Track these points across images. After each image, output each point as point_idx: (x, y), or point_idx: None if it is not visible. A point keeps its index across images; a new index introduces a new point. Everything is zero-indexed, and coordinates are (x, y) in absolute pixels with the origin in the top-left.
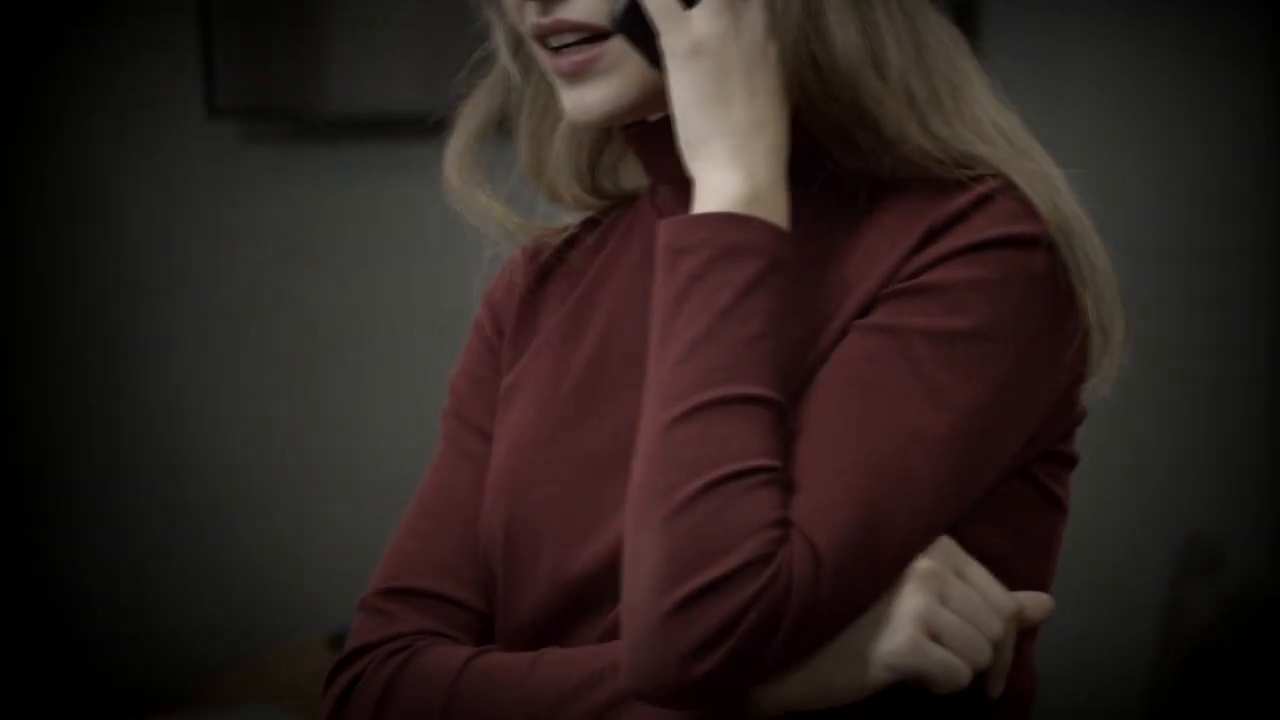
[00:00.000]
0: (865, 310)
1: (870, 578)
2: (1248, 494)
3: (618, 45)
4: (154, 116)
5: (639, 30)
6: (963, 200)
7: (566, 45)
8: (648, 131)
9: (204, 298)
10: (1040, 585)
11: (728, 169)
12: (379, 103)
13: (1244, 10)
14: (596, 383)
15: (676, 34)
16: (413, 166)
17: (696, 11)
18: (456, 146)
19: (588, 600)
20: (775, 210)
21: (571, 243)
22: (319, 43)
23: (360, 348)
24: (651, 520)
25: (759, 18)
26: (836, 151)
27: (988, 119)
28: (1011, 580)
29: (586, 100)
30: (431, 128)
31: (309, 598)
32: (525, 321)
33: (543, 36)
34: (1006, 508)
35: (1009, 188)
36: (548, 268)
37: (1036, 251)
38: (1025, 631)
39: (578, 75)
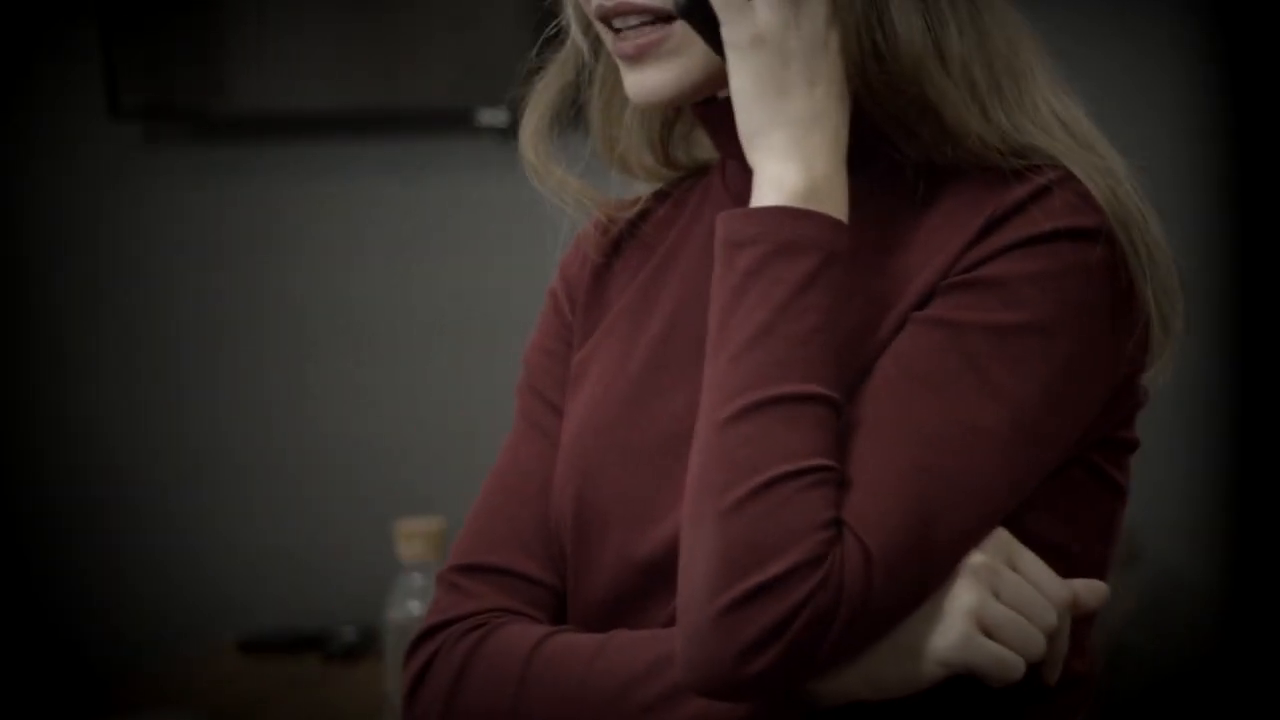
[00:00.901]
0: (923, 302)
1: (922, 575)
2: (1165, 488)
3: (681, 29)
4: (56, 118)
5: (703, 16)
6: (1021, 192)
7: (630, 27)
8: (718, 109)
9: (107, 299)
10: (1099, 570)
11: (786, 161)
12: (283, 102)
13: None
14: (663, 364)
15: (738, 24)
16: (319, 165)
17: (759, 1)
18: (531, 123)
19: (655, 582)
20: (833, 202)
21: (643, 215)
22: (221, 42)
23: (274, 346)
24: (706, 518)
25: (821, 7)
26: (898, 139)
27: (1049, 110)
28: (1070, 567)
29: (648, 83)
30: (336, 126)
31: (219, 601)
32: (596, 295)
33: (606, 18)
34: (1065, 496)
35: (1068, 179)
36: (619, 241)
37: (1095, 244)
38: (1082, 615)
39: (640, 58)
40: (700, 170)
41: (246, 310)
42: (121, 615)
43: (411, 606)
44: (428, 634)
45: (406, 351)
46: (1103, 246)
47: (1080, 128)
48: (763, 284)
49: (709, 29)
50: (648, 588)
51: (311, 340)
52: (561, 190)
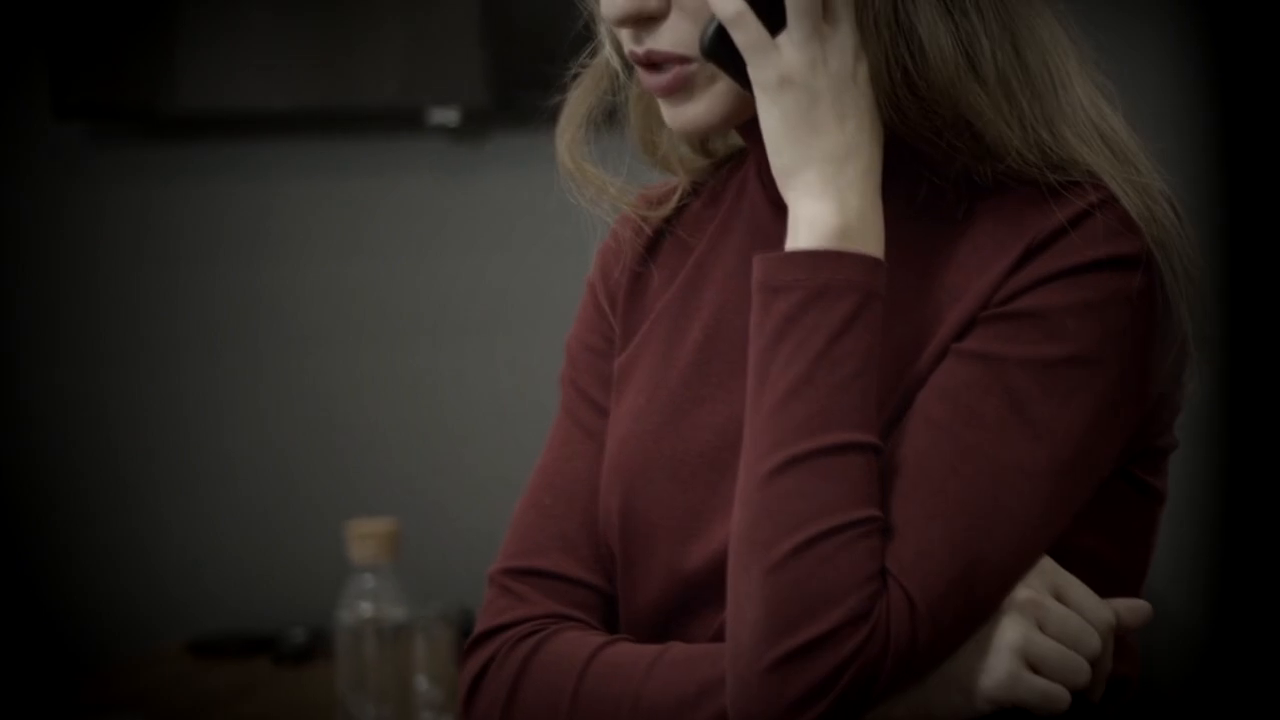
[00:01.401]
0: (963, 332)
1: (967, 618)
2: None
3: (708, 64)
4: None
5: (728, 56)
6: (1061, 216)
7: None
8: (759, 126)
9: (48, 298)
10: (1138, 573)
11: (819, 200)
12: (230, 100)
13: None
14: (705, 373)
15: (764, 66)
16: (266, 165)
17: (783, 40)
18: (567, 131)
19: (703, 595)
20: (868, 238)
21: (679, 211)
22: (168, 39)
23: (218, 348)
24: (752, 572)
25: (848, 40)
26: (936, 160)
27: (1088, 120)
28: (1110, 575)
29: (683, 116)
30: (284, 125)
31: (168, 603)
32: (636, 295)
33: (638, 62)
34: (1105, 507)
35: (1109, 203)
36: (657, 236)
37: (1135, 272)
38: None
39: (671, 93)
40: (736, 155)
41: (192, 310)
42: (69, 617)
43: (363, 608)
44: (484, 638)
45: (359, 352)
46: (1142, 273)
47: (1118, 140)
48: (800, 331)
49: (736, 69)
50: (695, 600)
51: (261, 340)
52: (600, 196)
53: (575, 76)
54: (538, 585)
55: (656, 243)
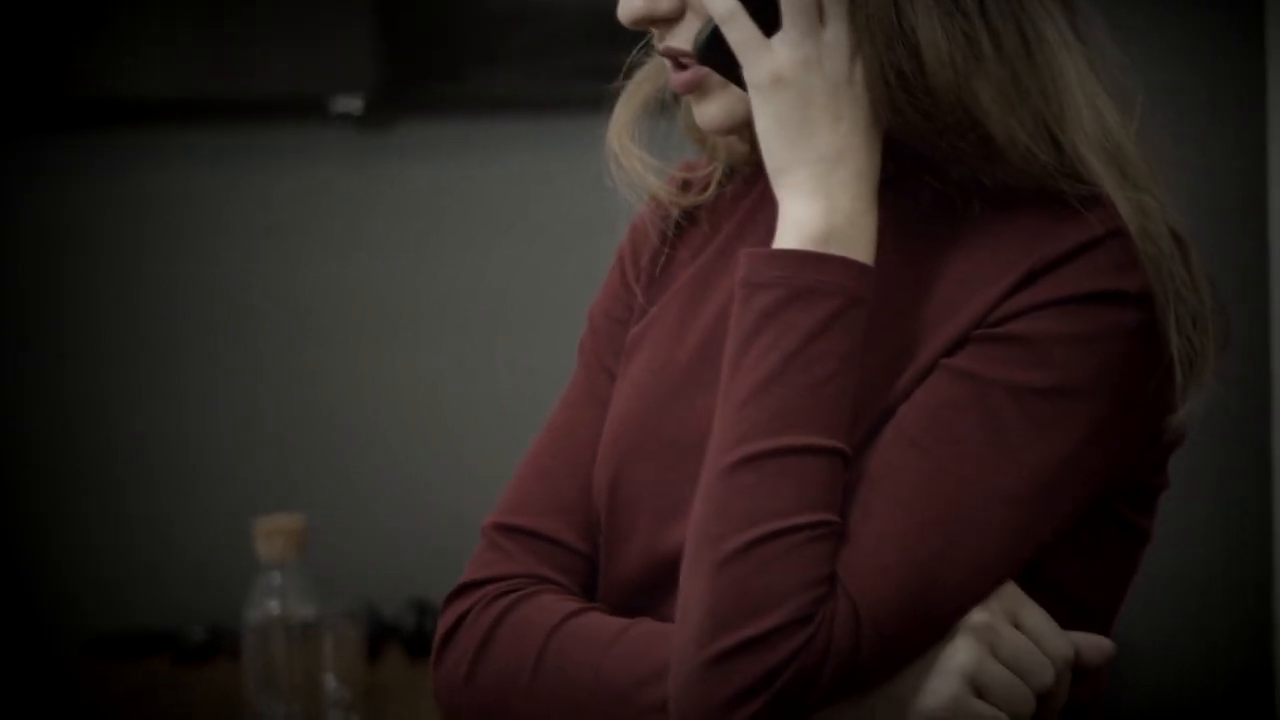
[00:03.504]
0: (954, 347)
1: (917, 635)
2: None
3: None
4: None
5: (723, 58)
6: (1068, 242)
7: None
8: None
9: None
10: (1109, 612)
11: (809, 201)
12: (129, 88)
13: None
14: (711, 359)
15: (757, 65)
16: (166, 154)
17: (777, 40)
18: (620, 121)
19: (677, 577)
20: (856, 243)
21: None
22: (68, 26)
23: (126, 338)
24: (702, 567)
25: (843, 41)
26: (942, 163)
27: (1096, 132)
28: (1080, 608)
29: (705, 115)
30: (181, 114)
31: (63, 603)
32: (659, 270)
33: (664, 56)
34: (1083, 542)
35: (1116, 234)
36: (688, 215)
37: (1134, 308)
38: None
39: (689, 92)
40: None
41: (93, 303)
42: None
43: (270, 606)
44: (464, 589)
45: (265, 344)
46: (1139, 309)
47: (1125, 155)
48: (776, 329)
49: (730, 70)
50: (669, 581)
51: (164, 332)
52: (640, 182)
53: (634, 67)
54: (525, 544)
55: (686, 222)
